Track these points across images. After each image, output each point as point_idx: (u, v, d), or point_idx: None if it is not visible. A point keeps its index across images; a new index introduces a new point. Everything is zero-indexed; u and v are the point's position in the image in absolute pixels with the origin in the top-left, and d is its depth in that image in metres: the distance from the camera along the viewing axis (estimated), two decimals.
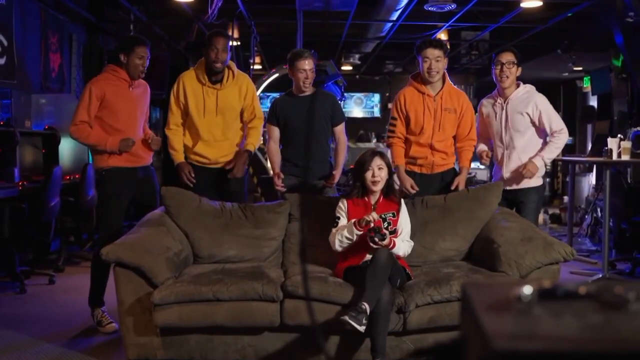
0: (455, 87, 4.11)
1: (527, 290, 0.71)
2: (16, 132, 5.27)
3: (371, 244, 3.20)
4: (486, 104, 4.18)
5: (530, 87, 4.07)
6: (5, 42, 5.86)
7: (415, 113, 3.93)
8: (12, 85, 5.87)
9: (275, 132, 4.18)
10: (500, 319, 0.64)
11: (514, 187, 4.03)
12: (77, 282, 4.93)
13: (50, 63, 6.86)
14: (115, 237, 3.46)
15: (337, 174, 4.13)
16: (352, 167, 4.34)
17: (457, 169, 4.08)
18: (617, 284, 0.71)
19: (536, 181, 4.05)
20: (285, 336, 3.21)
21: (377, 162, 3.43)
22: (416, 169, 4.00)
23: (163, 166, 8.81)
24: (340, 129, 4.21)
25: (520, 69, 4.02)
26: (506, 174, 4.03)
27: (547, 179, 11.98)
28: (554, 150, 3.98)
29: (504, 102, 4.02)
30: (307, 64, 4.00)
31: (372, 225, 3.24)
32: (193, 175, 3.98)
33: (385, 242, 3.20)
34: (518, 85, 4.04)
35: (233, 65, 4.07)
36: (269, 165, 6.76)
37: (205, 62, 3.96)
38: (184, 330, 3.16)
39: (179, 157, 4.03)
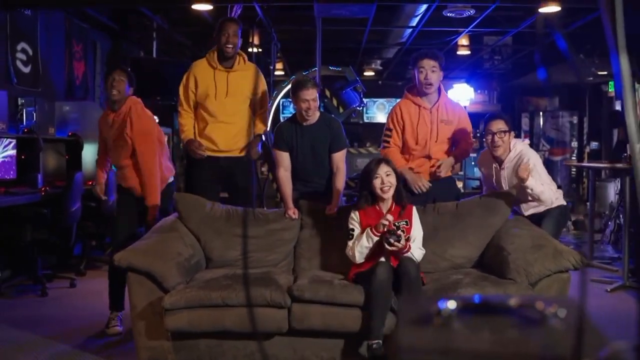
0: (451, 99, 4.13)
1: (451, 305, 0.73)
2: (39, 138, 5.42)
3: (387, 246, 3.19)
4: (483, 165, 4.11)
5: (520, 146, 3.92)
6: (30, 51, 6.03)
7: (412, 125, 3.94)
8: (37, 93, 6.03)
9: (286, 159, 3.93)
10: (418, 333, 0.67)
11: (539, 210, 3.94)
12: (98, 286, 5.04)
13: (75, 71, 7.03)
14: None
15: (335, 203, 3.85)
16: None
17: (454, 176, 4.06)
18: (540, 299, 0.73)
19: (560, 201, 3.97)
20: (293, 340, 3.24)
21: (384, 169, 3.40)
22: None
23: (185, 172, 8.90)
24: (338, 157, 3.93)
25: (513, 133, 3.90)
26: (527, 212, 3.94)
27: (573, 185, 11.81)
28: (538, 185, 3.77)
29: (499, 167, 3.93)
30: (309, 94, 3.79)
31: (386, 228, 3.25)
32: (204, 148, 4.09)
33: (402, 243, 3.19)
34: (511, 147, 3.89)
35: (244, 54, 4.24)
36: None
37: (217, 47, 4.15)
38: (194, 334, 3.21)
39: (188, 134, 4.17)
